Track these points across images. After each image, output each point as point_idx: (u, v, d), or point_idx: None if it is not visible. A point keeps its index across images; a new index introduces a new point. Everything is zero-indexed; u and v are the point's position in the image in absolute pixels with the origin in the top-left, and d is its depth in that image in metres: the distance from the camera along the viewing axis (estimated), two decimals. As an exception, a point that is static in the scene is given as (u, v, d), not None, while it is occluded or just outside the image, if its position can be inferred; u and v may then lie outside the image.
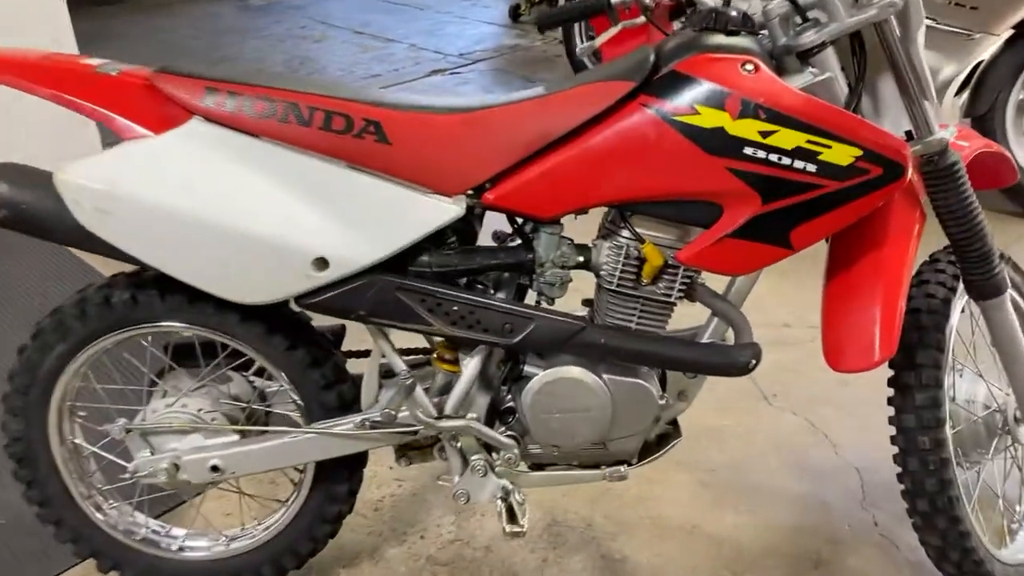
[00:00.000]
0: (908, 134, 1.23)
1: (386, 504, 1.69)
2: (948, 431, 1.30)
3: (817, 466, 1.79)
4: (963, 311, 1.41)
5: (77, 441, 1.39)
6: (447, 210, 1.18)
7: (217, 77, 1.16)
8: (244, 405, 1.37)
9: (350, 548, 1.59)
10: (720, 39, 1.14)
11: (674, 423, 1.40)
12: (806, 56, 1.17)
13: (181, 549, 1.46)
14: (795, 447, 1.84)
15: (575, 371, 1.24)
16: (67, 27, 2.97)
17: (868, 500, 1.69)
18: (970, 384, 1.45)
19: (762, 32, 1.20)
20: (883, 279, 1.21)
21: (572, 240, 1.26)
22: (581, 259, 1.24)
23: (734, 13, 1.16)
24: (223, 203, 1.12)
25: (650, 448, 1.39)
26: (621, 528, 1.63)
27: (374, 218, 1.17)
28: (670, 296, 1.24)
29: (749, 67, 1.11)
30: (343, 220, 1.16)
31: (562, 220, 1.24)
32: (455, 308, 1.19)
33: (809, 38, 1.15)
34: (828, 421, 1.90)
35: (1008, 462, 1.49)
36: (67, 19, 2.97)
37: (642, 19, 1.37)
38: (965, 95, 2.83)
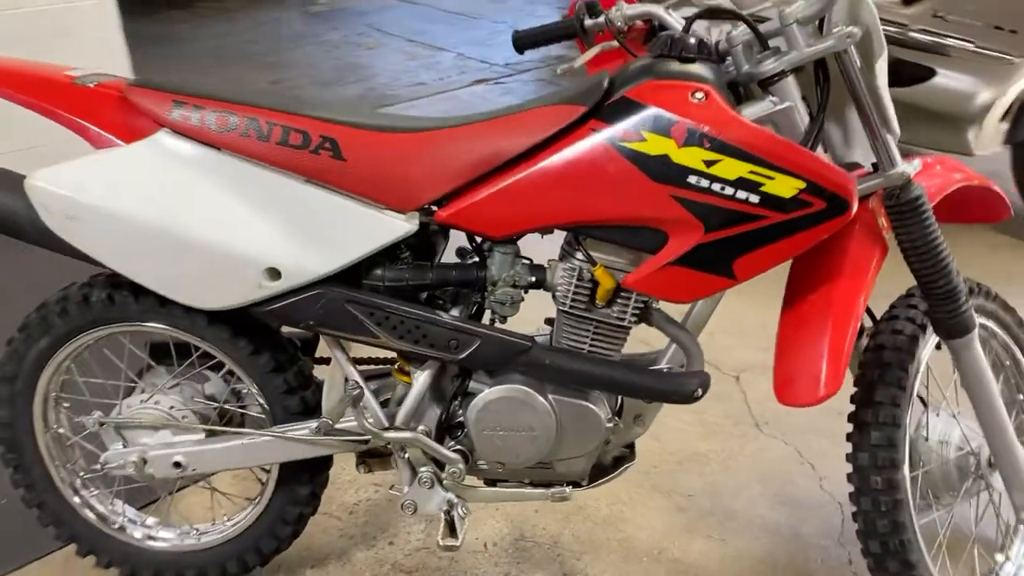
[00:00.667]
0: (875, 165, 1.21)
1: (361, 508, 1.73)
2: (906, 473, 1.27)
3: (799, 498, 1.76)
4: (939, 348, 1.37)
5: (61, 430, 1.47)
6: (399, 227, 1.20)
7: (186, 91, 1.21)
8: (216, 405, 1.43)
9: (320, 549, 1.63)
10: (673, 66, 1.14)
11: (631, 446, 1.40)
12: (767, 84, 1.16)
13: (153, 539, 1.52)
14: (779, 477, 1.81)
15: (520, 390, 1.25)
16: (116, 27, 3.13)
17: (846, 537, 1.65)
18: (945, 424, 1.41)
19: (728, 59, 1.20)
20: (834, 313, 1.19)
21: (530, 260, 1.27)
22: (534, 279, 1.25)
23: (692, 40, 1.15)
24: (182, 212, 1.18)
25: (606, 469, 1.39)
26: (588, 548, 1.63)
27: (327, 232, 1.20)
28: (623, 320, 1.24)
29: (699, 95, 1.11)
30: (296, 232, 1.20)
31: (519, 240, 1.26)
32: (402, 322, 1.22)
33: (768, 66, 1.14)
34: (817, 452, 1.86)
35: (983, 507, 1.43)
36: (116, 20, 3.12)
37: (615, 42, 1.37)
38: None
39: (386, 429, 1.29)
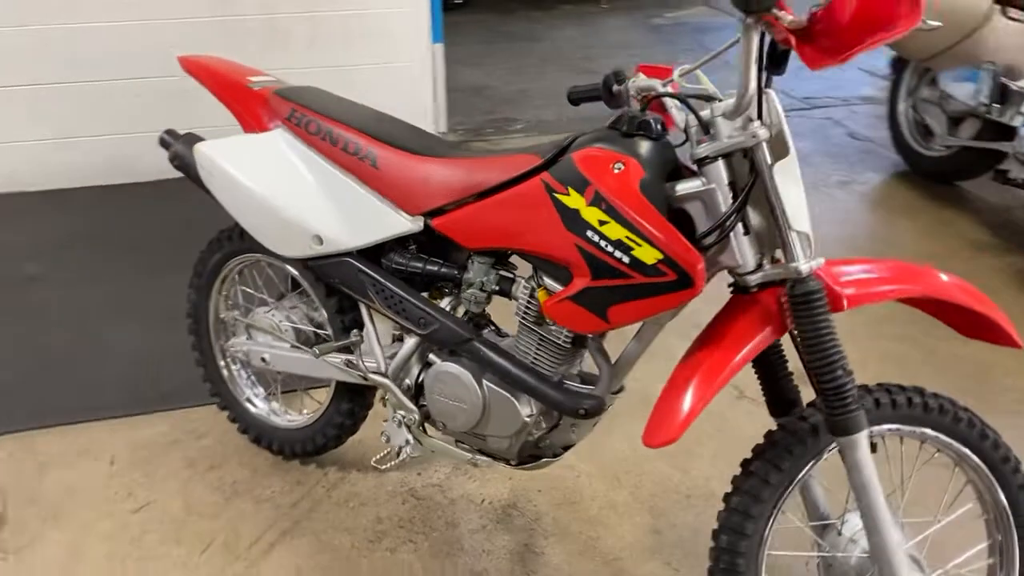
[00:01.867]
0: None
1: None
2: (757, 549, 1.34)
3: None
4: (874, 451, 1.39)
5: (222, 316, 2.09)
6: (405, 224, 1.59)
7: (303, 102, 1.70)
8: (304, 327, 1.94)
9: (365, 460, 2.08)
10: (612, 138, 1.36)
11: (568, 447, 1.63)
12: (700, 165, 1.33)
13: (263, 412, 2.10)
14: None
15: (460, 369, 1.56)
16: (426, 29, 3.85)
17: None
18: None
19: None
20: (699, 375, 1.31)
21: (508, 271, 1.57)
22: (498, 288, 1.56)
23: (648, 118, 1.36)
24: (273, 185, 1.68)
25: (541, 459, 1.65)
26: (559, 534, 1.88)
27: (358, 218, 1.63)
28: (559, 339, 1.50)
29: (619, 166, 1.32)
30: (338, 214, 1.64)
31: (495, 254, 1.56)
32: (390, 296, 1.61)
33: (699, 150, 1.31)
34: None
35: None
36: (427, 22, 3.84)
37: None
38: None
39: (374, 373, 1.70)
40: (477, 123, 4.55)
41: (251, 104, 1.77)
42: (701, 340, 1.38)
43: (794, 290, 1.27)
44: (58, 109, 3.51)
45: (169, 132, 1.87)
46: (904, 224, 3.37)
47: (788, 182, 1.27)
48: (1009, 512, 1.43)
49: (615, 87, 1.51)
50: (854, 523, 1.42)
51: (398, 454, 1.71)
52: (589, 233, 1.32)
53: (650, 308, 1.31)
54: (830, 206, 3.52)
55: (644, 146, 1.34)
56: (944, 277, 1.40)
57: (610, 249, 1.31)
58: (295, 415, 2.09)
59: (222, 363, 2.11)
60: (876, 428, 1.36)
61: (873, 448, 1.47)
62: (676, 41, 6.28)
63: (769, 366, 1.45)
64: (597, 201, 1.31)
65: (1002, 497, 1.43)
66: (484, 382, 1.56)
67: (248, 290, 2.05)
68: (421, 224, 1.58)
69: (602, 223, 1.31)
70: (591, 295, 1.35)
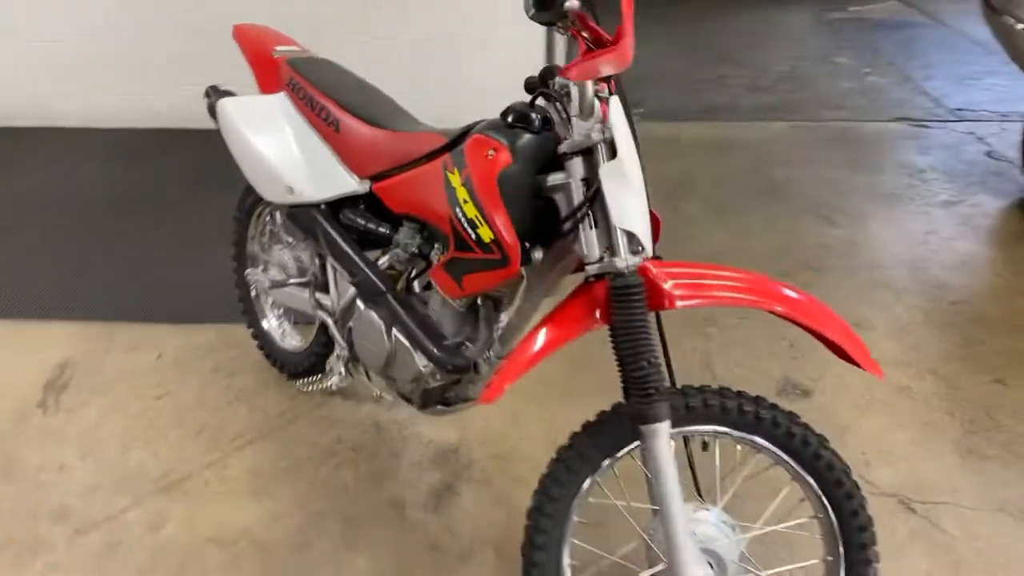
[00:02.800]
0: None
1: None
2: (561, 530, 1.46)
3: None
4: (705, 449, 1.46)
5: (255, 248, 2.45)
6: (353, 185, 1.83)
7: (303, 71, 1.98)
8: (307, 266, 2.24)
9: (353, 394, 2.36)
10: (499, 128, 1.51)
11: (467, 400, 1.81)
12: (563, 160, 1.45)
13: (276, 335, 2.45)
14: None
15: (374, 317, 1.78)
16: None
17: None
18: (708, 519, 1.46)
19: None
20: (526, 346, 1.42)
21: (429, 237, 1.76)
22: (418, 252, 1.75)
23: (527, 112, 1.50)
24: (263, 141, 1.97)
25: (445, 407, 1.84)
26: (482, 482, 2.05)
27: (321, 175, 1.88)
28: (455, 304, 1.68)
29: (491, 152, 1.47)
30: (307, 169, 1.91)
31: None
32: (334, 245, 1.85)
33: (561, 146, 1.44)
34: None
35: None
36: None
37: None
38: None
39: (321, 310, 1.97)
40: (595, 104, 4.65)
41: (268, 70, 2.07)
42: (544, 317, 1.51)
43: (614, 283, 1.36)
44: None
45: (213, 87, 2.23)
46: (990, 254, 3.13)
47: (616, 183, 1.35)
48: (835, 521, 1.44)
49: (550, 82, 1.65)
50: (699, 518, 1.46)
51: (326, 382, 1.98)
52: (456, 209, 1.49)
53: (487, 280, 1.46)
54: (916, 225, 3.33)
55: (520, 137, 1.47)
56: (793, 295, 1.41)
57: (465, 225, 1.47)
58: (295, 341, 2.41)
59: (254, 289, 2.48)
60: (699, 428, 1.43)
61: (704, 447, 1.55)
62: (842, 38, 5.96)
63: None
64: (466, 182, 1.48)
65: (826, 503, 1.43)
66: (393, 331, 1.77)
67: (274, 229, 2.38)
68: (367, 187, 1.81)
69: (464, 202, 1.47)
70: (454, 264, 1.53)
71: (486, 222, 1.42)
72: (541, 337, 1.44)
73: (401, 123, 1.81)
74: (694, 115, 4.48)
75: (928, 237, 3.24)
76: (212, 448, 2.18)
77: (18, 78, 4.31)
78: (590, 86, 1.34)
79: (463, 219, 1.47)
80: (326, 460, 2.14)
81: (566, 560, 1.49)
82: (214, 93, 2.20)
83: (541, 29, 4.06)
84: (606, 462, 1.46)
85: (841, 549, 1.45)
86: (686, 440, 1.59)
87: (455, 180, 1.51)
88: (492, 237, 1.42)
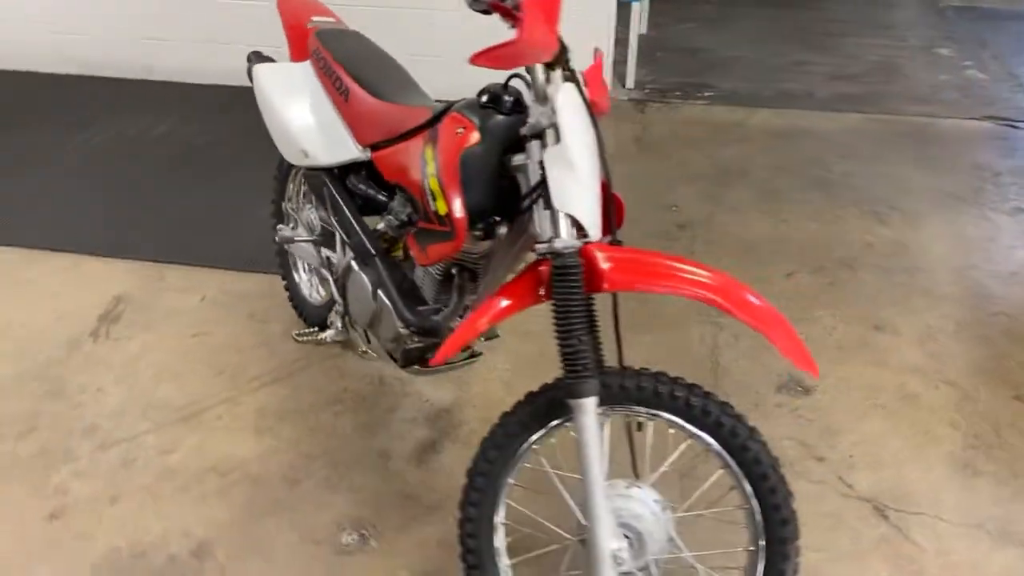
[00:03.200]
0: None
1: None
2: (493, 500, 1.56)
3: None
4: (640, 429, 1.52)
5: (288, 208, 2.61)
6: (356, 152, 1.94)
7: (326, 43, 2.10)
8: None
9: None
10: (473, 108, 1.58)
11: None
12: (524, 142, 1.51)
13: (304, 287, 2.62)
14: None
15: (363, 277, 1.90)
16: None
17: None
18: (635, 496, 1.51)
19: None
20: (474, 315, 1.50)
21: (418, 206, 1.86)
22: (407, 220, 1.86)
23: (499, 93, 1.56)
24: (286, 106, 2.11)
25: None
26: (465, 442, 2.16)
27: (330, 141, 2.01)
28: (433, 272, 1.78)
29: (460, 130, 1.55)
30: (320, 136, 2.03)
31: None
32: (335, 207, 1.98)
33: (523, 128, 1.50)
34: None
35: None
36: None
37: None
38: None
39: (324, 268, 2.10)
40: (667, 85, 4.61)
41: (300, 39, 2.21)
42: (496, 289, 1.58)
43: (555, 263, 1.43)
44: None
45: (255, 52, 2.38)
46: (1053, 267, 2.97)
47: (558, 168, 1.39)
48: (758, 512, 1.46)
49: None
50: (629, 495, 1.51)
51: (321, 335, 2.12)
52: (425, 182, 1.59)
53: (442, 251, 1.55)
54: (975, 230, 3.18)
55: (491, 118, 1.54)
56: (751, 299, 1.39)
57: (429, 197, 1.56)
58: (317, 295, 2.58)
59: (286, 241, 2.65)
60: (631, 408, 1.48)
61: (639, 427, 1.60)
62: (950, 28, 5.64)
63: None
64: (435, 156, 1.57)
65: (750, 493, 1.46)
66: (378, 292, 1.89)
67: (306, 188, 2.54)
68: (368, 155, 1.93)
69: (431, 175, 1.56)
70: (420, 234, 1.63)
71: (443, 197, 1.51)
72: (490, 308, 1.52)
73: (406, 96, 1.91)
74: (764, 101, 4.37)
75: (985, 244, 3.10)
76: (231, 386, 2.37)
77: (118, 30, 4.63)
78: (540, 71, 1.39)
79: (427, 191, 1.56)
80: (328, 407, 2.29)
81: (498, 518, 1.58)
82: (255, 58, 2.36)
83: (611, 6, 4.06)
84: (540, 432, 1.54)
85: (762, 541, 1.48)
86: (637, 422, 1.63)
87: (428, 154, 1.60)
88: (445, 212, 1.50)
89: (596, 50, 1.61)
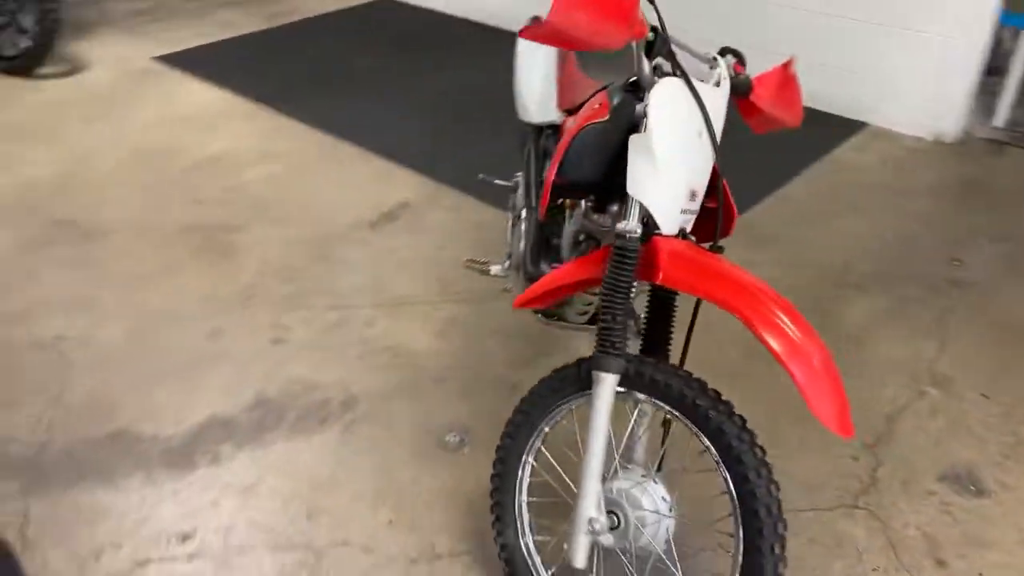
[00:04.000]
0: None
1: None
2: (519, 462, 1.71)
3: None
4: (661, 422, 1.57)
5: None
6: (553, 115, 2.15)
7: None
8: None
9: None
10: (620, 88, 1.69)
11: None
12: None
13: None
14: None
15: (524, 224, 2.12)
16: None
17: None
18: (648, 488, 1.57)
19: None
20: (544, 283, 1.65)
21: None
22: None
23: (637, 79, 1.66)
24: (526, 63, 2.33)
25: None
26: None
27: (542, 102, 2.21)
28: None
29: (597, 105, 1.69)
30: (537, 95, 2.25)
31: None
32: (526, 160, 2.22)
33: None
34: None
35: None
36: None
37: None
38: None
39: (511, 211, 2.37)
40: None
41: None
42: (572, 260, 1.71)
43: (615, 243, 1.52)
44: None
45: (535, 17, 2.67)
46: None
47: (638, 155, 1.47)
48: (739, 517, 1.44)
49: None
50: (645, 488, 1.57)
51: (488, 267, 2.40)
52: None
53: (540, 208, 1.71)
54: None
55: (623, 99, 1.65)
56: (783, 318, 1.37)
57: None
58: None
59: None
60: (651, 399, 1.52)
61: (665, 422, 1.63)
62: None
63: (655, 311, 1.67)
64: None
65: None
66: (523, 240, 2.10)
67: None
68: (562, 118, 2.13)
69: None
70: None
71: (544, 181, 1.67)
72: (559, 275, 1.66)
73: (610, 71, 2.06)
74: None
75: None
76: (440, 292, 2.79)
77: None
78: (645, 62, 1.48)
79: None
80: (498, 336, 2.59)
81: (528, 457, 1.74)
82: (532, 21, 2.66)
83: (986, 29, 3.61)
84: (578, 396, 1.64)
85: (741, 545, 1.44)
86: (667, 421, 1.67)
87: (574, 124, 1.76)
88: (542, 188, 1.66)
89: (789, 59, 1.61)
